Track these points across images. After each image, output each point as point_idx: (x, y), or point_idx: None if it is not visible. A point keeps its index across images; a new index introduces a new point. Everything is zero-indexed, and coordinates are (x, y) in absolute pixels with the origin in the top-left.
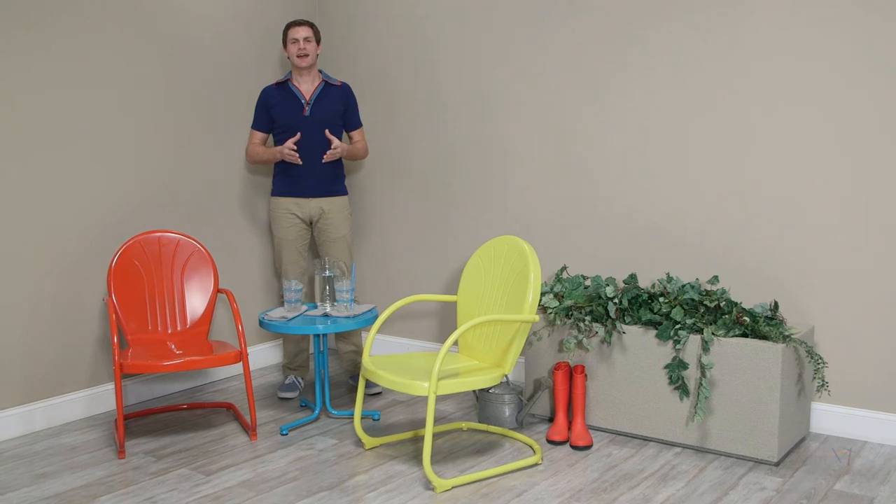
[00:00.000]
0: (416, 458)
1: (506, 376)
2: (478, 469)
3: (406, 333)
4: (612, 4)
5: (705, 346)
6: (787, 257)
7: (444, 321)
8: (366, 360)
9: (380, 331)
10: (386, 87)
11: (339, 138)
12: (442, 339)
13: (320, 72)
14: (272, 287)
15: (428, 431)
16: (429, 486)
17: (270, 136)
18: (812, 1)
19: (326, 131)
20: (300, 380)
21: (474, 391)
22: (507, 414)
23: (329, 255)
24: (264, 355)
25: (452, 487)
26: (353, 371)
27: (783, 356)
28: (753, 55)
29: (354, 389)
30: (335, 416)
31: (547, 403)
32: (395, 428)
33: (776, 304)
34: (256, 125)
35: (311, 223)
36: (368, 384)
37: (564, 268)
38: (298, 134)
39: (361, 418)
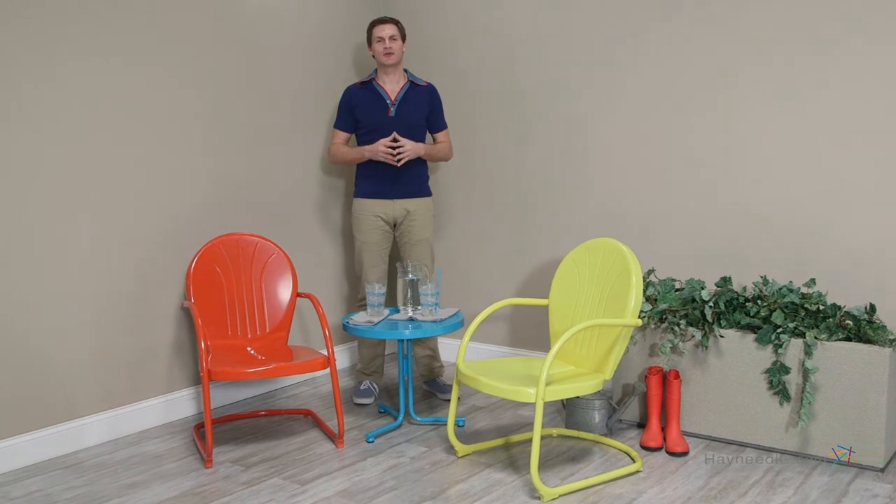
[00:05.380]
0: (512, 465)
1: None
2: (578, 476)
3: (475, 337)
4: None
5: (808, 351)
6: (880, 259)
7: (515, 324)
8: (462, 366)
9: (450, 335)
10: (462, 85)
11: (423, 140)
12: (513, 343)
13: (406, 71)
14: (342, 290)
15: (535, 438)
16: (534, 494)
17: (352, 136)
18: None
19: (395, 133)
20: (375, 385)
21: None
22: (597, 420)
23: (411, 257)
24: None
25: (559, 496)
26: (429, 376)
27: (890, 360)
28: (844, 58)
29: (430, 395)
30: (419, 422)
31: (636, 409)
32: (482, 434)
33: (872, 306)
34: (340, 125)
35: (394, 225)
36: (443, 389)
37: (652, 270)
38: (394, 133)
39: (445, 424)
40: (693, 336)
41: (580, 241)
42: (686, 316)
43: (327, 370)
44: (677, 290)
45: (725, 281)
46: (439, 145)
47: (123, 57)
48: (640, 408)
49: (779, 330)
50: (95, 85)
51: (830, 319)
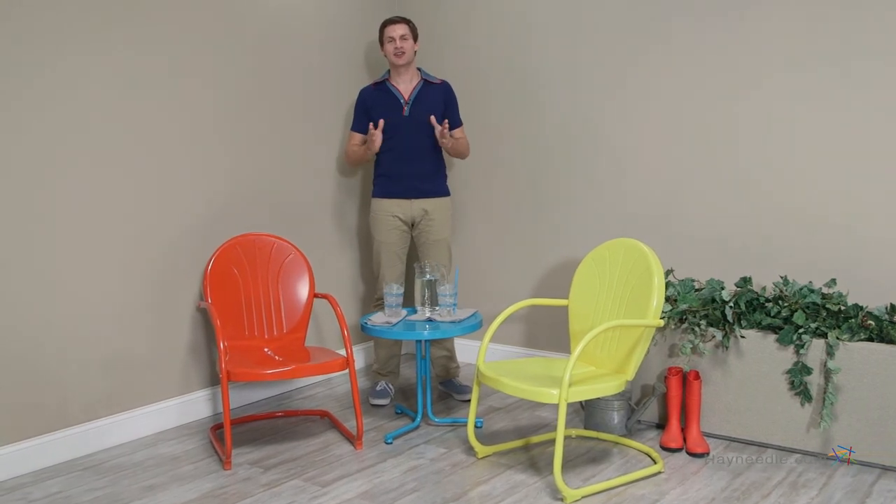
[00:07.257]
0: (533, 466)
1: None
2: (599, 477)
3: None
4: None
5: (830, 351)
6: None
7: (531, 325)
8: (483, 367)
9: (466, 336)
10: (478, 83)
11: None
12: (529, 344)
13: (419, 70)
14: (357, 290)
15: (559, 439)
16: (557, 495)
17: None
18: None
19: (432, 118)
20: (391, 386)
21: None
22: (616, 420)
23: (429, 257)
24: None
25: (582, 497)
26: (445, 376)
27: None
28: (866, 58)
29: (446, 396)
30: (437, 423)
31: (655, 409)
32: (501, 435)
33: (894, 306)
34: (356, 126)
35: (412, 225)
36: (460, 390)
37: (671, 271)
38: (381, 121)
39: (463, 426)
40: (713, 336)
41: (597, 241)
42: (706, 316)
43: (344, 371)
44: (697, 290)
45: (745, 281)
46: (459, 141)
47: (140, 58)
48: (660, 408)
49: (800, 330)
50: (111, 86)
51: (852, 320)
